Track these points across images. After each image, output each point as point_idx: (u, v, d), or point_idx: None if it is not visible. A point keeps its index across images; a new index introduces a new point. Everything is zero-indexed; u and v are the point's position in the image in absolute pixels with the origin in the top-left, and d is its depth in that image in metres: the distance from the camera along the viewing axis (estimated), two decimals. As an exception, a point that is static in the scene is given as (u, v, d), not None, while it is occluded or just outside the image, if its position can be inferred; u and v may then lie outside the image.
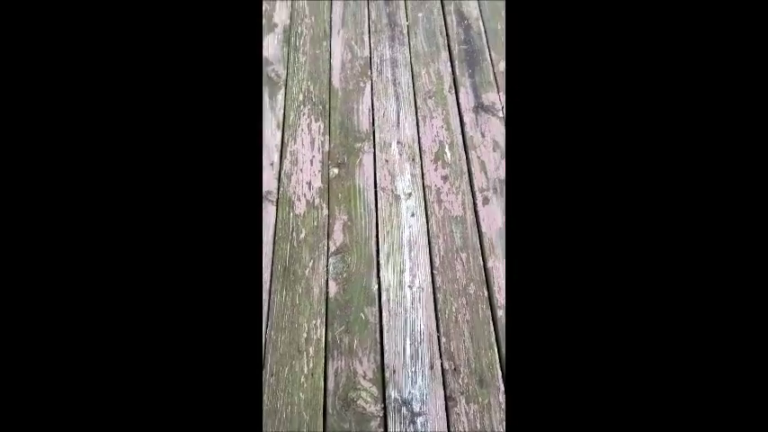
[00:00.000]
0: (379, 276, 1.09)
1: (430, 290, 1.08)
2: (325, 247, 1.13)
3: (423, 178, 1.25)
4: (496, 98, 1.39)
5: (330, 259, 1.11)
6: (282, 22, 1.57)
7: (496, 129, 1.33)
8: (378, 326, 1.03)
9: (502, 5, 1.61)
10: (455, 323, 1.03)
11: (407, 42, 1.52)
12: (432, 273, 1.10)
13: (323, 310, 1.04)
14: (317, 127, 1.33)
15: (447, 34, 1.54)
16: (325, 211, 1.18)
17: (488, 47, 1.51)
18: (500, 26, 1.56)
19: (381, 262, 1.11)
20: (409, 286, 1.08)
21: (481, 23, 1.57)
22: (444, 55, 1.49)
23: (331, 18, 1.58)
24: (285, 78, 1.43)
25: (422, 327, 1.03)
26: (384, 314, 1.04)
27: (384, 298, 1.06)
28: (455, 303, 1.06)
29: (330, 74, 1.44)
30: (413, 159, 1.28)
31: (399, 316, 1.04)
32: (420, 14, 1.59)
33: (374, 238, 1.15)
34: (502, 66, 1.46)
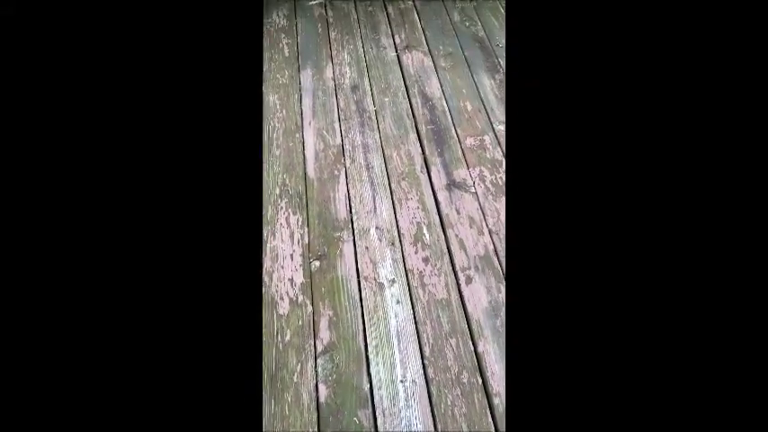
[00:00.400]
0: (369, 373, 1.07)
1: (423, 383, 1.05)
2: (312, 348, 1.10)
3: (404, 262, 1.25)
4: (467, 174, 1.44)
5: (318, 360, 1.08)
6: (255, 118, 1.62)
7: (470, 205, 1.37)
8: (373, 430, 0.99)
9: (462, 84, 1.70)
10: (452, 418, 1.00)
11: (377, 127, 1.59)
12: (423, 363, 1.08)
13: (314, 419, 1.00)
14: (295, 220, 1.35)
15: (413, 116, 1.61)
16: (310, 308, 1.17)
17: (454, 124, 1.58)
18: (462, 103, 1.64)
19: (371, 357, 1.09)
20: (401, 381, 1.05)
21: (444, 102, 1.65)
22: (413, 136, 1.55)
23: (302, 110, 1.64)
24: (261, 173, 1.46)
25: (418, 426, 0.99)
26: (378, 416, 1.01)
27: (377, 397, 1.03)
28: (450, 395, 1.03)
29: (305, 164, 1.48)
30: (392, 244, 1.29)
31: (394, 416, 1.01)
32: (386, 99, 1.67)
33: (361, 333, 1.13)
34: (468, 142, 1.52)
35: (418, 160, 1.48)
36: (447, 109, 1.63)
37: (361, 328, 1.14)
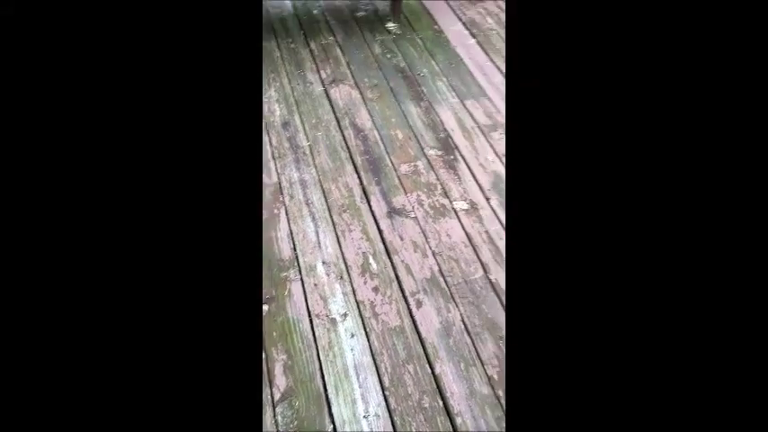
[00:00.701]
0: (331, 414, 1.05)
1: (386, 414, 1.05)
2: (269, 397, 1.07)
3: (354, 294, 1.26)
4: (405, 200, 1.48)
5: (277, 409, 1.05)
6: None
7: (412, 229, 1.41)
8: (341, 471, 0.97)
9: (390, 114, 1.77)
10: (418, 445, 1.01)
11: (312, 162, 1.60)
12: (384, 395, 1.08)
13: (279, 471, 0.96)
14: (237, 265, 1.31)
15: (348, 147, 1.65)
16: (263, 355, 1.13)
17: (387, 153, 1.63)
18: (393, 132, 1.70)
19: (331, 397, 1.07)
20: (364, 416, 1.04)
21: (376, 132, 1.70)
22: (349, 168, 1.58)
23: (233, 151, 1.62)
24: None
25: (386, 459, 0.99)
26: (345, 456, 0.99)
27: (341, 437, 1.01)
28: (414, 423, 1.04)
29: (242, 206, 1.45)
30: (341, 277, 1.29)
31: (361, 454, 0.99)
32: (319, 133, 1.69)
33: (319, 372, 1.11)
34: (403, 168, 1.58)
35: (357, 191, 1.51)
36: (379, 138, 1.68)
37: (317, 367, 1.12)
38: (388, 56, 2.01)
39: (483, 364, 1.13)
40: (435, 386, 1.09)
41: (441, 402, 1.07)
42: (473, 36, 2.11)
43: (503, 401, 1.07)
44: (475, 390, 1.08)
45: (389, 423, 1.03)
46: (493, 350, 1.15)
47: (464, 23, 2.18)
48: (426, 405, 1.06)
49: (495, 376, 1.11)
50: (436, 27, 2.16)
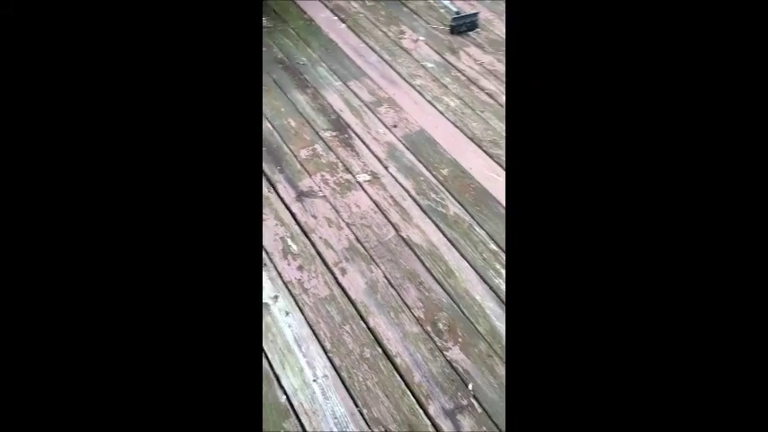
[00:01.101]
0: (282, 386, 1.10)
1: (333, 373, 1.13)
2: (218, 388, 1.09)
3: (281, 277, 1.31)
4: (311, 182, 1.55)
5: (228, 397, 1.08)
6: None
7: (323, 207, 1.49)
8: (303, 433, 1.04)
9: (279, 104, 1.81)
10: (368, 390, 1.11)
11: (210, 162, 1.59)
12: (327, 357, 1.16)
13: (244, 451, 1.00)
14: (154, 276, 1.28)
15: (243, 143, 1.66)
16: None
17: (284, 141, 1.68)
18: (285, 121, 1.75)
19: (278, 372, 1.13)
20: (314, 380, 1.12)
21: (269, 123, 1.73)
22: (249, 161, 1.60)
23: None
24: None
25: (342, 411, 1.08)
26: (303, 419, 1.06)
27: (296, 403, 1.08)
28: (359, 373, 1.13)
29: (145, 219, 1.41)
30: (264, 264, 1.33)
31: (318, 413, 1.07)
32: (210, 134, 1.68)
33: (262, 354, 1.15)
34: (302, 153, 1.64)
35: (263, 182, 1.54)
36: (273, 129, 1.71)
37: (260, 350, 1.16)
38: (264, 49, 2.04)
39: (410, 309, 1.26)
40: (373, 338, 1.20)
41: (380, 349, 1.18)
42: (342, 21, 2.21)
43: (432, 335, 1.21)
44: (407, 331, 1.21)
45: (338, 379, 1.12)
46: (416, 295, 1.29)
47: (331, 10, 2.27)
48: (368, 355, 1.17)
49: (422, 316, 1.25)
50: (306, 17, 2.22)
